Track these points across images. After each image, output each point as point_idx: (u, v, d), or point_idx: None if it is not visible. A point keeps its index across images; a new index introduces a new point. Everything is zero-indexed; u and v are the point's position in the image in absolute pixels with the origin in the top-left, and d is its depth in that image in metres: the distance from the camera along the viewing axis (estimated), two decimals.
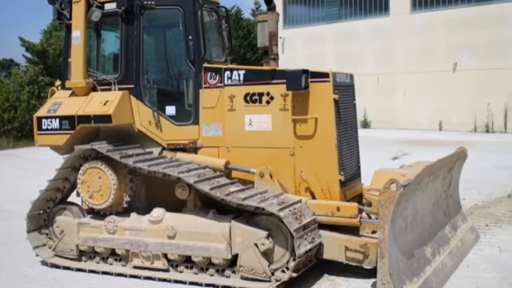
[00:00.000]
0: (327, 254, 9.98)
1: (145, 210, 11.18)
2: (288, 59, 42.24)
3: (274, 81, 10.77)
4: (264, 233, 9.40)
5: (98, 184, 10.94)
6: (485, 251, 11.38)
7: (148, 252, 10.51)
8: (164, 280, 10.20)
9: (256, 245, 9.42)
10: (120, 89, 11.65)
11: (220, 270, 10.00)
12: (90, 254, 11.31)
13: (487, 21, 39.07)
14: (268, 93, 10.79)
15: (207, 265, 10.09)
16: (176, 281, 10.12)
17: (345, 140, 11.04)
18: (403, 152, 26.33)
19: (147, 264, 10.57)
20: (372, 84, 44.40)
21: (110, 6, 11.65)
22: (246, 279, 9.62)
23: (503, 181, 19.29)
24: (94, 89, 11.90)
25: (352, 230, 10.09)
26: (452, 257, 10.47)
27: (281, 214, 9.12)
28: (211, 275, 10.04)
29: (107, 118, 11.21)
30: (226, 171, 11.16)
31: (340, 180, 10.57)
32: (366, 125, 44.87)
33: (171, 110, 11.66)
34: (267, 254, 9.49)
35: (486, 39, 39.03)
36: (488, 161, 24.01)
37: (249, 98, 10.97)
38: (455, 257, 10.63)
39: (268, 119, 10.85)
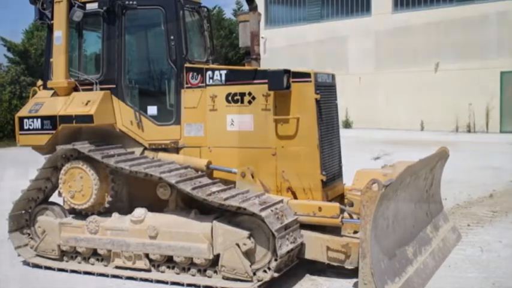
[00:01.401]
0: (309, 254, 10.00)
1: (127, 210, 11.16)
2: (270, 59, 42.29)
3: (255, 81, 10.78)
4: (246, 233, 9.41)
5: (80, 184, 10.93)
6: (467, 251, 11.43)
7: (130, 252, 10.50)
8: (146, 280, 10.19)
9: (238, 245, 9.43)
10: (101, 89, 11.64)
11: (202, 270, 10.00)
12: (71, 254, 11.28)
13: (468, 21, 39.23)
14: (250, 93, 10.79)
15: (188, 265, 10.09)
16: (158, 281, 10.12)
17: (327, 140, 11.07)
18: (384, 152, 26.40)
19: (129, 264, 10.56)
20: (353, 84, 44.47)
21: (92, 6, 11.64)
22: (228, 279, 9.63)
23: (484, 181, 19.39)
24: (76, 89, 11.87)
25: (333, 230, 10.11)
26: (434, 257, 10.51)
27: (263, 214, 9.13)
28: (193, 275, 10.04)
29: (88, 118, 11.20)
30: (208, 171, 11.17)
31: (321, 180, 10.60)
32: (347, 125, 44.95)
33: (152, 110, 11.65)
34: (249, 254, 9.50)
35: (468, 39, 39.19)
36: (470, 161, 24.13)
37: (231, 98, 10.98)
38: (437, 257, 10.67)
39: (250, 119, 10.86)
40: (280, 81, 10.28)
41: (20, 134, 12.10)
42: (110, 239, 10.73)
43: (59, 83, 11.71)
